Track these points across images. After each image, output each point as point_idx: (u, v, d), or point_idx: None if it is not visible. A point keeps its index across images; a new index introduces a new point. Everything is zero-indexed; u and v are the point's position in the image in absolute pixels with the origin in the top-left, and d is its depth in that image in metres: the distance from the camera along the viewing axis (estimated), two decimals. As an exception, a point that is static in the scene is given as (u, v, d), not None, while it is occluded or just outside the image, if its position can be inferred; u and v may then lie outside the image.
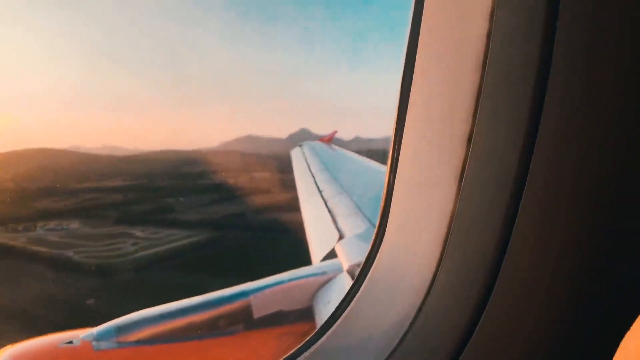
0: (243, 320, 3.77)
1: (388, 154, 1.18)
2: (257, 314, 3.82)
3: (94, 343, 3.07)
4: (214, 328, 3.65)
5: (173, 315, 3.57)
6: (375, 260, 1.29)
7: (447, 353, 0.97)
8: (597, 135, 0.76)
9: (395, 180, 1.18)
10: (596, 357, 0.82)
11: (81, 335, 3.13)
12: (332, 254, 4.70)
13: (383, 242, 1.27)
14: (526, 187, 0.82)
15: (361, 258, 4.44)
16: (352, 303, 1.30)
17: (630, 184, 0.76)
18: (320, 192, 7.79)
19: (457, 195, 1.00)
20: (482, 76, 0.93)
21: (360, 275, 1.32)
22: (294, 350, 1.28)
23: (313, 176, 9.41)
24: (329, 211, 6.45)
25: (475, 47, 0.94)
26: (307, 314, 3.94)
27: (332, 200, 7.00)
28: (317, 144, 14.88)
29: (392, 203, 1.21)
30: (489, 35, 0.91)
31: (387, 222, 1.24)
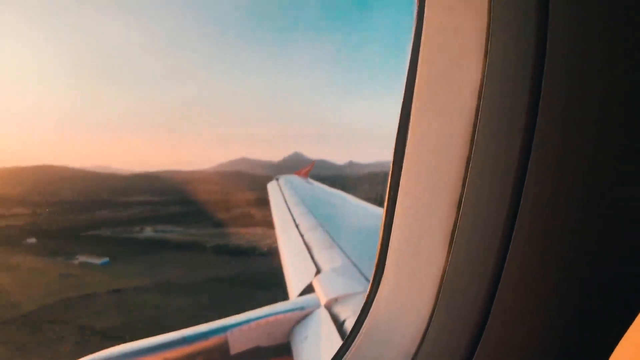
0: (220, 356, 3.73)
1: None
2: (233, 350, 3.78)
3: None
4: (190, 365, 3.59)
5: (148, 351, 3.51)
6: (370, 312, 1.34)
7: None
8: (591, 170, 0.81)
9: (391, 237, 1.26)
10: None
11: None
12: (309, 289, 4.72)
13: (377, 296, 1.32)
14: (512, 244, 0.88)
15: (338, 292, 4.47)
16: (348, 353, 1.33)
17: (630, 192, 0.80)
18: (296, 225, 7.81)
19: (447, 255, 1.08)
20: (471, 144, 1.01)
21: (355, 326, 1.36)
22: None
23: (289, 210, 9.43)
24: (306, 245, 6.47)
25: (468, 97, 1.00)
26: (284, 349, 3.93)
27: (309, 234, 7.03)
28: (293, 177, 14.94)
29: (387, 256, 1.28)
30: (480, 88, 0.98)
31: (381, 276, 1.30)
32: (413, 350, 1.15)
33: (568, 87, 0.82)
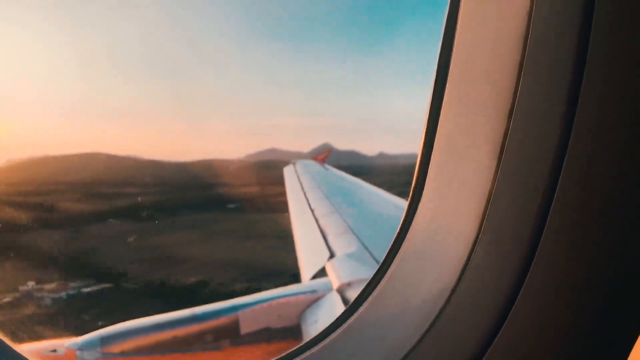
0: (229, 335, 3.73)
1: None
2: (244, 330, 3.78)
3: (77, 352, 3.01)
4: (200, 342, 3.60)
5: (158, 328, 3.53)
6: (404, 243, 1.26)
7: (471, 350, 0.97)
8: (624, 172, 0.78)
9: (430, 162, 1.17)
10: None
11: (66, 344, 3.08)
12: (322, 273, 4.69)
13: (413, 224, 1.24)
14: (562, 173, 0.84)
15: (351, 277, 4.41)
16: (375, 292, 1.26)
17: None
18: (312, 210, 7.79)
19: (495, 174, 0.99)
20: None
21: (384, 264, 1.27)
22: (320, 332, 1.25)
23: (305, 195, 9.42)
24: (320, 230, 6.45)
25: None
26: (294, 332, 3.91)
27: (324, 219, 7.00)
28: (310, 162, 14.91)
29: (425, 185, 1.19)
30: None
31: (418, 204, 1.22)
32: (449, 289, 1.07)
33: (608, 85, 0.79)
